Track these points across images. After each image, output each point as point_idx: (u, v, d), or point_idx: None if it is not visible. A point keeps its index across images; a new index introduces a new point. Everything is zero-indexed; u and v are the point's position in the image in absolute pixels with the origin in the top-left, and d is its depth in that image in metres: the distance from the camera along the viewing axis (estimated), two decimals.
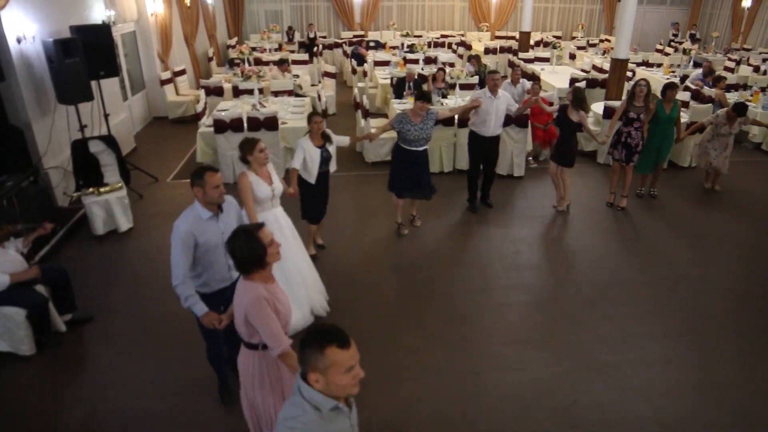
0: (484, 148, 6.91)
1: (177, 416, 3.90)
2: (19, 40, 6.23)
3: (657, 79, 12.40)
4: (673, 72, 12.87)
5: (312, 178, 5.33)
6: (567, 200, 7.24)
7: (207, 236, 3.41)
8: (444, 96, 9.51)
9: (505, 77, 9.76)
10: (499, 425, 3.85)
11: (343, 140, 5.82)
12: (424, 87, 9.62)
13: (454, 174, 8.40)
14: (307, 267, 4.87)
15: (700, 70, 11.53)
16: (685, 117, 8.80)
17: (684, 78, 12.04)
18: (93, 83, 6.99)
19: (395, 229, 6.54)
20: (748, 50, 16.51)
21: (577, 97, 6.66)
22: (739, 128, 7.52)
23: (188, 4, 12.73)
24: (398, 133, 5.98)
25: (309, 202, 5.55)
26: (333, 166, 5.56)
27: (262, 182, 4.35)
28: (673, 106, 7.18)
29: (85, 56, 6.66)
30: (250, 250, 2.70)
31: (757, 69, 13.10)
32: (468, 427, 3.84)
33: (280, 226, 4.54)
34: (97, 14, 8.41)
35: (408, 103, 9.44)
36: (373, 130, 6.16)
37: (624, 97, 7.89)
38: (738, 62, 13.98)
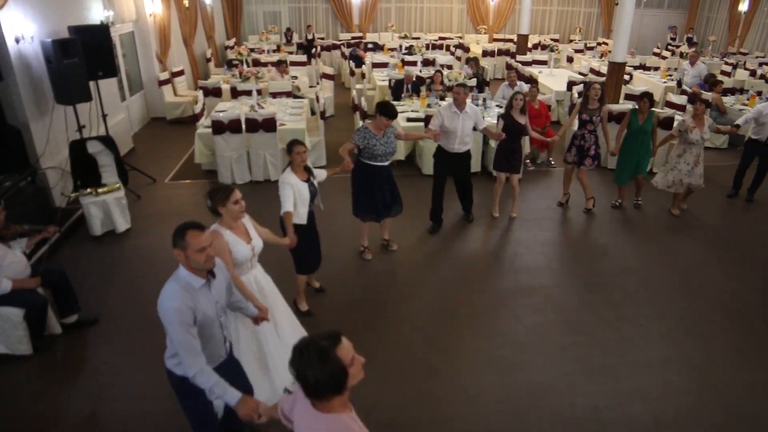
0: (450, 164, 6.45)
1: (175, 417, 3.89)
2: (17, 40, 6.23)
3: (655, 83, 12.46)
4: (670, 76, 12.92)
5: (302, 218, 4.51)
6: (589, 200, 7.28)
7: (204, 309, 2.84)
8: (442, 98, 9.53)
9: (505, 79, 9.80)
10: (496, 427, 3.86)
11: (321, 174, 4.89)
12: (422, 90, 9.64)
13: None
14: (292, 333, 4.08)
15: (688, 66, 11.59)
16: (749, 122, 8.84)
17: (681, 81, 12.09)
18: (91, 84, 6.98)
19: (360, 252, 6.05)
20: (744, 54, 16.58)
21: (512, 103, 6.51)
22: (709, 133, 6.83)
23: (187, 5, 12.74)
24: (362, 150, 5.41)
25: (303, 249, 4.58)
26: (321, 203, 4.89)
27: (239, 241, 3.56)
28: (648, 117, 6.90)
29: (84, 57, 6.66)
30: (329, 375, 2.02)
31: (753, 73, 13.16)
32: (465, 429, 3.84)
33: (261, 291, 3.80)
34: (96, 15, 8.42)
35: (406, 104, 9.47)
36: (343, 164, 5.17)
37: (579, 99, 7.82)
38: (735, 66, 14.04)
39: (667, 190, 7.15)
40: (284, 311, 4.13)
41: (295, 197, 4.38)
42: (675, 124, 7.20)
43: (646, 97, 6.86)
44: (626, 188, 7.44)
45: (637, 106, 6.96)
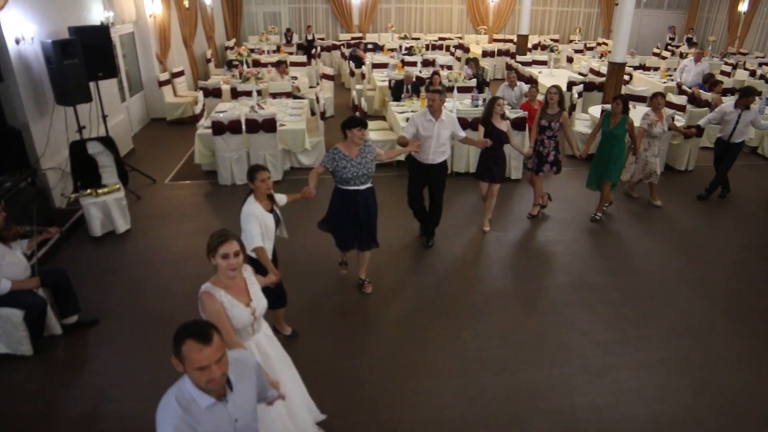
0: (424, 176, 6.00)
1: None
2: (17, 41, 6.23)
3: (655, 83, 12.46)
4: (669, 76, 12.92)
5: (268, 252, 4.02)
6: (540, 203, 7.14)
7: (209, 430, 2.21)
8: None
9: (506, 79, 9.80)
10: (496, 428, 3.86)
11: (281, 200, 4.37)
12: (422, 91, 9.64)
13: (452, 176, 8.41)
14: (305, 413, 3.51)
15: (691, 63, 11.59)
16: (681, 121, 8.84)
17: (680, 84, 12.08)
18: (91, 84, 6.99)
19: (338, 264, 5.69)
20: (744, 54, 16.59)
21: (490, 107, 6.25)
22: (668, 125, 7.17)
23: (187, 6, 12.74)
24: (332, 173, 4.90)
25: (271, 287, 3.85)
26: (285, 232, 4.43)
27: (236, 304, 2.92)
28: (620, 122, 6.58)
29: (84, 57, 6.67)
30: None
31: (753, 73, 13.16)
32: (465, 430, 3.85)
33: (265, 357, 3.16)
34: (96, 15, 8.42)
35: (406, 105, 9.47)
36: (303, 190, 4.61)
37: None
38: (734, 66, 14.05)
39: (646, 181, 7.41)
40: (296, 383, 3.48)
41: (261, 230, 3.90)
42: (642, 120, 7.17)
43: (619, 99, 6.62)
44: (616, 193, 7.42)
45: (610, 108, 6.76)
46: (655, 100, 7.09)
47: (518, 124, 8.06)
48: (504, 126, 6.21)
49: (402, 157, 7.95)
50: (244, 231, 3.83)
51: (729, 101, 7.70)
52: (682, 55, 14.14)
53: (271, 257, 4.06)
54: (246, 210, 3.89)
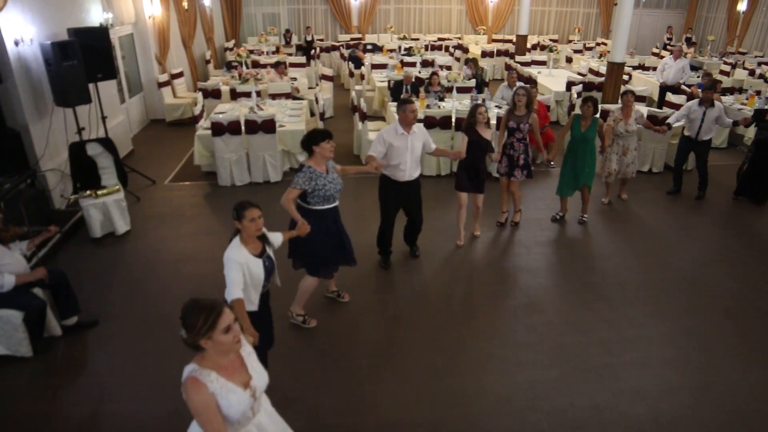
0: (401, 196, 5.58)
1: (175, 418, 3.90)
2: (16, 43, 6.23)
3: (654, 83, 12.46)
4: None
5: (254, 304, 3.52)
6: (517, 213, 6.93)
7: None
8: (441, 99, 9.54)
9: (506, 80, 9.81)
10: (496, 427, 3.86)
11: (276, 239, 3.82)
12: (421, 91, 9.65)
13: (451, 177, 8.42)
14: None
15: (671, 60, 11.57)
16: (680, 121, 8.82)
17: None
18: (90, 86, 6.99)
19: (301, 320, 4.88)
20: (743, 54, 16.60)
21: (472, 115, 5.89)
22: (635, 125, 7.00)
23: (186, 7, 12.75)
24: (311, 194, 4.39)
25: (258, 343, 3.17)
26: (278, 280, 3.84)
27: (233, 388, 2.35)
28: (591, 124, 6.44)
29: (83, 59, 6.66)
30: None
31: (752, 73, 13.17)
32: (465, 429, 3.84)
33: None
34: (95, 17, 8.43)
35: (414, 101, 9.45)
36: (298, 225, 4.19)
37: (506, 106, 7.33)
38: (733, 66, 14.06)
39: (605, 179, 7.37)
40: None
41: (245, 279, 3.36)
42: (609, 116, 7.19)
43: (590, 101, 6.41)
44: (594, 198, 7.18)
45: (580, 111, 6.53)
46: (625, 97, 6.97)
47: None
48: (489, 134, 5.95)
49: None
50: (226, 277, 3.29)
51: (693, 101, 7.60)
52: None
53: (259, 308, 3.58)
54: (228, 254, 3.31)
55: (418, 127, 5.45)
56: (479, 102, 5.93)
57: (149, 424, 3.87)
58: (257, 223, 3.36)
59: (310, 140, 4.37)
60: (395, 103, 9.58)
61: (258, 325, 3.35)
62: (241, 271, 3.31)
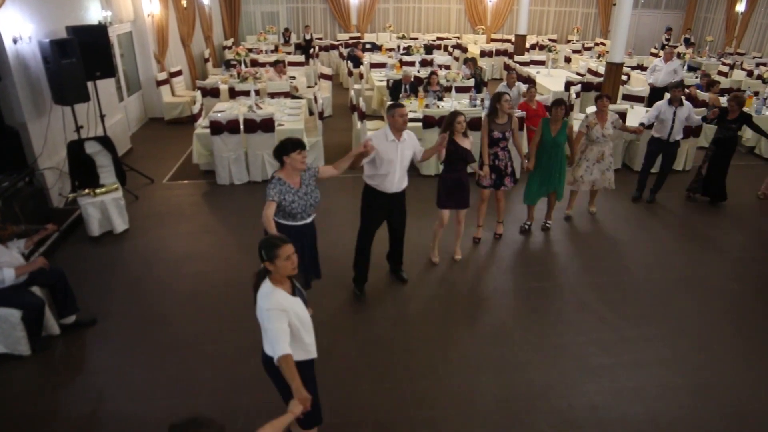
0: (386, 210, 5.10)
1: (173, 418, 3.90)
2: (15, 41, 6.22)
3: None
4: None
5: (311, 351, 3.16)
6: (499, 224, 6.60)
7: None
8: (440, 99, 9.53)
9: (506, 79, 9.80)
10: (494, 428, 3.87)
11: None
12: (420, 90, 9.64)
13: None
14: None
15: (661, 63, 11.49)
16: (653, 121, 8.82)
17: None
18: (89, 84, 6.98)
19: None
20: (741, 54, 16.62)
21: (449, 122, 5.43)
22: (611, 130, 6.64)
23: (185, 5, 12.73)
24: (278, 207, 4.05)
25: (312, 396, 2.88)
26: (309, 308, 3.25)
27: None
28: (561, 128, 6.18)
29: (82, 57, 6.66)
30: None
31: (750, 73, 13.19)
32: (462, 430, 3.85)
33: None
34: (94, 15, 8.41)
35: (404, 104, 9.44)
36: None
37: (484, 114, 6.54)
38: (732, 66, 14.08)
39: (569, 187, 6.91)
40: None
41: (294, 326, 2.93)
42: (582, 121, 6.78)
43: (561, 105, 6.17)
44: (532, 208, 6.75)
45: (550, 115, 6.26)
46: (600, 102, 6.61)
47: (518, 125, 8.04)
48: (468, 144, 5.48)
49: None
50: (266, 332, 2.87)
51: (662, 101, 7.40)
52: (680, 56, 14.18)
53: (307, 356, 3.13)
54: (268, 305, 2.83)
55: (408, 134, 4.99)
56: (457, 111, 5.37)
57: (148, 422, 3.87)
58: (293, 261, 2.90)
59: (281, 150, 4.02)
60: (394, 103, 9.64)
61: (307, 378, 2.98)
62: (287, 320, 2.85)
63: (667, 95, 7.34)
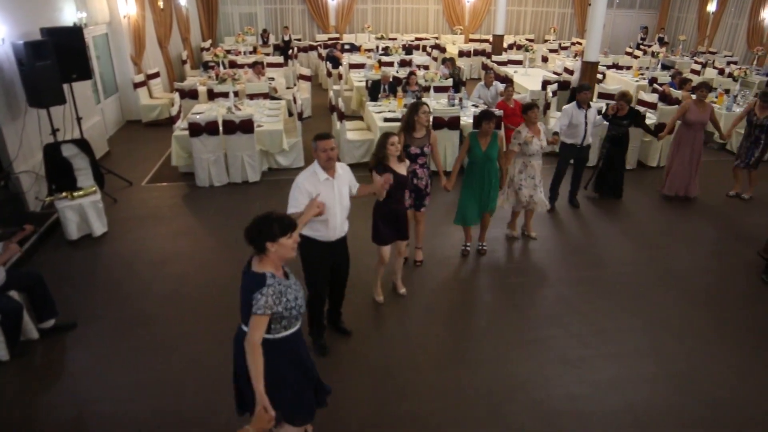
0: (329, 258, 4.31)
1: (157, 418, 3.89)
2: None
3: (627, 81, 12.70)
4: (642, 75, 13.18)
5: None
6: (418, 250, 5.96)
7: None
8: (418, 99, 9.59)
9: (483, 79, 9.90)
10: (475, 420, 3.93)
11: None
12: (399, 90, 9.69)
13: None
14: None
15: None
16: (652, 118, 9.02)
17: (653, 80, 12.35)
18: (65, 86, 6.90)
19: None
20: (713, 53, 16.99)
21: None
22: (545, 141, 6.13)
23: (161, 7, 12.62)
24: (275, 317, 2.92)
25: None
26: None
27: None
28: (492, 140, 5.60)
29: (57, 59, 6.58)
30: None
31: (722, 71, 13.50)
32: (445, 423, 3.91)
33: None
34: (69, 16, 8.31)
35: (383, 105, 9.51)
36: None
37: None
38: (704, 65, 14.39)
39: (514, 209, 6.45)
40: None
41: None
42: (513, 139, 6.13)
43: (491, 118, 5.57)
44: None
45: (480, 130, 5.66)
46: (531, 112, 6.00)
47: (496, 124, 8.12)
48: (403, 169, 4.83)
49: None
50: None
51: (569, 105, 7.19)
52: (654, 54, 14.47)
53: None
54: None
55: (342, 167, 4.17)
56: (389, 131, 4.83)
57: (130, 425, 3.86)
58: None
59: (263, 234, 2.77)
60: (373, 103, 9.71)
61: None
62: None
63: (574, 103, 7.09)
